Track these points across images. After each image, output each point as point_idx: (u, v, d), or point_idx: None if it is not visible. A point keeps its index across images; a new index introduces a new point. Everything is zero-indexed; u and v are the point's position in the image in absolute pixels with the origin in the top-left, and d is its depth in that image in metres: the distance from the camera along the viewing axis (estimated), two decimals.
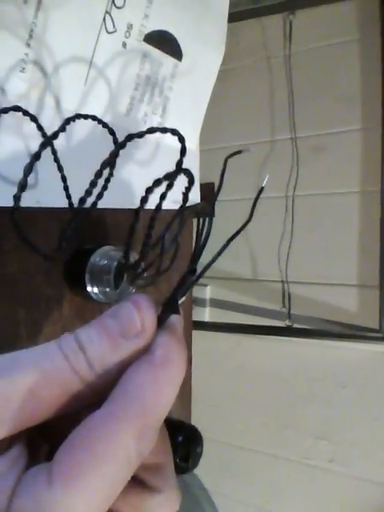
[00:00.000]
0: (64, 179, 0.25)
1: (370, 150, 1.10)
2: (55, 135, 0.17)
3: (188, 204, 0.18)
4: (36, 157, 0.16)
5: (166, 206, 0.19)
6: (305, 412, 1.17)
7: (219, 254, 0.17)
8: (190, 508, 1.20)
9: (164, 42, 0.47)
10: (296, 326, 1.18)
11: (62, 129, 0.18)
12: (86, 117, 0.22)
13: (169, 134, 0.17)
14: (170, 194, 0.17)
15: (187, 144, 0.18)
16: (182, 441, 0.51)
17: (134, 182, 0.48)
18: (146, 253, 0.17)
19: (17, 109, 0.21)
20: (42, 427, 0.15)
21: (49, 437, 0.17)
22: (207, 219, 0.17)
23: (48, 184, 0.38)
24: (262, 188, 0.19)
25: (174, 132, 0.16)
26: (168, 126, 0.51)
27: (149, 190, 0.16)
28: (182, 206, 0.17)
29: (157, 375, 0.15)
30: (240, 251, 1.25)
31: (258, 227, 1.18)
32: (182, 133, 0.18)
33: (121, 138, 0.26)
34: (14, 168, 0.35)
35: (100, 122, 0.25)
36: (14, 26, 0.35)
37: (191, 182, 0.17)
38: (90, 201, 0.20)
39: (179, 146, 0.17)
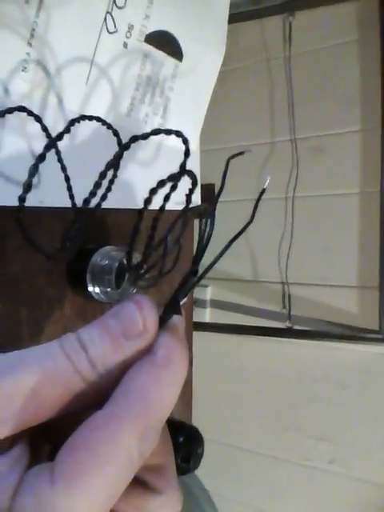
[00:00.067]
0: (67, 179, 0.25)
1: (369, 151, 1.10)
2: (60, 137, 0.17)
3: (190, 205, 0.18)
4: (41, 158, 0.16)
5: (168, 207, 0.19)
6: (305, 413, 1.17)
7: (221, 255, 0.17)
8: (191, 509, 1.20)
9: (165, 42, 0.47)
10: (296, 327, 1.18)
11: (67, 130, 0.18)
12: (90, 118, 0.22)
13: (171, 135, 0.17)
14: (172, 195, 0.18)
15: (189, 145, 0.18)
16: (183, 441, 0.51)
17: (135, 183, 0.48)
18: (148, 254, 0.17)
19: (22, 109, 0.21)
20: (44, 427, 0.15)
21: (51, 436, 0.17)
22: (209, 220, 0.17)
23: (51, 184, 0.38)
24: (264, 190, 0.19)
25: (179, 134, 0.16)
26: (169, 126, 0.51)
27: (153, 192, 0.16)
28: (185, 208, 0.17)
29: (159, 375, 0.15)
30: (240, 252, 1.25)
31: (259, 228, 1.18)
32: (183, 133, 0.18)
33: (123, 138, 0.26)
34: (17, 168, 0.36)
35: (104, 123, 0.25)
36: (15, 25, 0.35)
37: (194, 183, 0.17)
38: (93, 202, 0.20)
39: (181, 146, 0.17)
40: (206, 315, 1.31)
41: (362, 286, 1.11)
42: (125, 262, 0.39)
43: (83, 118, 0.20)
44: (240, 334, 1.25)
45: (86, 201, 0.18)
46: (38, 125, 0.23)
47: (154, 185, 0.17)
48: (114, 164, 0.16)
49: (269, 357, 1.22)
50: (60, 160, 0.24)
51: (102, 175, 0.17)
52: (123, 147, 0.16)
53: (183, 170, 0.16)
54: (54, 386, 0.14)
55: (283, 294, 1.21)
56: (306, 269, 1.18)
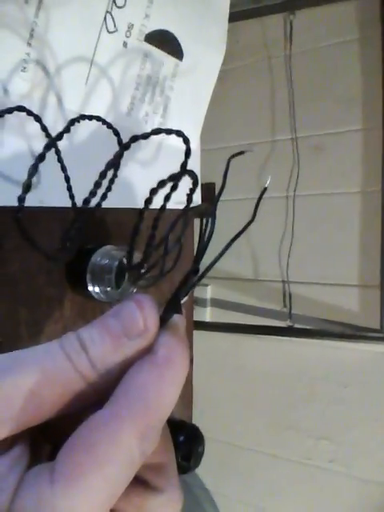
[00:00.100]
0: (67, 179, 0.25)
1: (370, 150, 1.10)
2: (59, 136, 0.17)
3: (190, 205, 0.18)
4: (40, 158, 0.16)
5: (168, 206, 0.19)
6: (306, 412, 1.17)
7: (221, 254, 0.17)
8: (191, 508, 1.20)
9: (165, 41, 0.47)
10: (297, 326, 1.18)
11: (67, 130, 0.18)
12: (90, 118, 0.22)
13: (172, 135, 0.17)
14: (173, 195, 0.17)
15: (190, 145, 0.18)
16: (184, 440, 0.51)
17: (135, 182, 0.48)
18: (149, 253, 0.17)
19: (21, 109, 0.21)
20: (44, 427, 0.15)
21: (51, 436, 0.17)
22: (210, 220, 0.17)
23: (51, 184, 0.38)
24: (265, 189, 0.18)
25: (179, 133, 0.16)
26: (169, 125, 0.51)
27: (153, 192, 0.16)
28: (186, 207, 0.17)
29: (159, 375, 0.15)
30: (241, 251, 1.25)
31: (259, 227, 1.18)
32: (184, 134, 0.18)
33: (123, 137, 0.26)
34: (17, 168, 0.36)
35: (104, 122, 0.25)
36: (15, 25, 0.35)
37: (195, 183, 0.17)
38: (93, 201, 0.20)
39: (182, 146, 0.17)
40: (207, 314, 1.31)
41: (363, 285, 1.11)
42: (125, 261, 0.39)
43: (83, 117, 0.20)
44: (240, 333, 1.25)
45: (86, 200, 0.18)
46: (37, 125, 0.23)
47: (154, 184, 0.17)
48: (114, 164, 0.16)
49: (269, 356, 1.22)
50: (60, 160, 0.24)
51: (102, 175, 0.17)
52: (123, 147, 0.16)
53: (184, 170, 0.16)
54: (53, 386, 0.14)
55: (284, 292, 1.21)
56: (307, 267, 1.18)
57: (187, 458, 0.50)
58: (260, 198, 0.18)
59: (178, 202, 0.19)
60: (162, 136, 0.17)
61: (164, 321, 0.17)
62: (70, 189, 0.25)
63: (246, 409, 1.25)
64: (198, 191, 0.58)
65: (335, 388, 1.13)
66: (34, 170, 0.16)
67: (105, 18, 0.41)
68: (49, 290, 0.41)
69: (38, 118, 0.23)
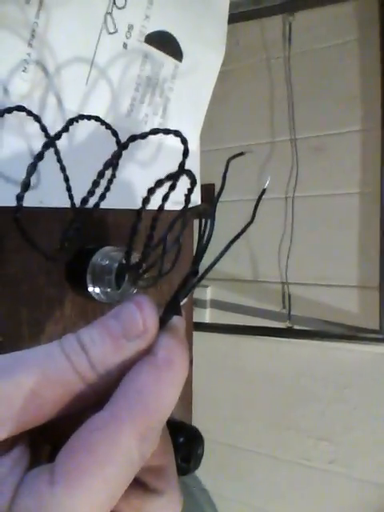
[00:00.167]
0: (67, 179, 0.25)
1: (369, 151, 1.10)
2: (58, 136, 0.17)
3: (189, 205, 0.18)
4: (39, 157, 0.16)
5: (167, 206, 0.19)
6: (305, 413, 1.17)
7: (221, 255, 0.17)
8: (191, 509, 1.20)
9: (164, 42, 0.47)
10: (296, 327, 1.18)
11: (65, 129, 0.18)
12: (89, 118, 0.22)
13: (171, 135, 0.17)
14: (171, 195, 0.17)
15: (188, 145, 0.18)
16: (183, 442, 0.51)
17: (135, 183, 0.48)
18: (147, 254, 0.17)
19: (20, 109, 0.21)
20: (44, 428, 0.15)
21: (51, 438, 0.17)
22: (209, 221, 0.17)
23: (50, 184, 0.38)
24: (264, 190, 0.18)
25: (177, 133, 0.16)
26: (169, 126, 0.51)
27: (151, 191, 0.16)
28: (184, 207, 0.17)
29: (159, 377, 0.15)
30: (240, 252, 1.25)
31: (258, 228, 1.18)
32: (182, 133, 0.18)
33: (123, 138, 0.26)
34: (16, 168, 0.36)
35: (103, 122, 0.25)
36: (15, 25, 0.35)
37: (193, 183, 0.17)
38: (92, 201, 0.20)
39: (181, 146, 0.17)
40: (206, 315, 1.30)
41: (362, 286, 1.11)
42: (123, 261, 0.39)
43: (82, 117, 0.20)
44: (240, 334, 1.25)
45: (84, 200, 0.18)
46: (37, 125, 0.23)
47: (153, 185, 0.17)
48: (112, 163, 0.16)
49: (269, 357, 1.22)
50: (59, 160, 0.24)
51: (100, 174, 0.17)
52: (121, 147, 0.16)
53: (182, 170, 0.16)
54: (53, 387, 0.14)
55: (283, 293, 1.21)
56: (306, 269, 1.18)
57: (187, 460, 0.50)
58: (259, 200, 0.18)
59: (176, 202, 0.19)
60: (162, 136, 0.17)
61: (164, 322, 0.17)
62: (69, 189, 0.25)
63: (245, 410, 1.25)
64: (198, 192, 0.58)
65: (335, 389, 1.13)
66: (32, 168, 0.16)
67: (105, 19, 0.41)
68: (49, 291, 0.41)
69: (37, 118, 0.23)
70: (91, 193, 0.18)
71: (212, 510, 1.26)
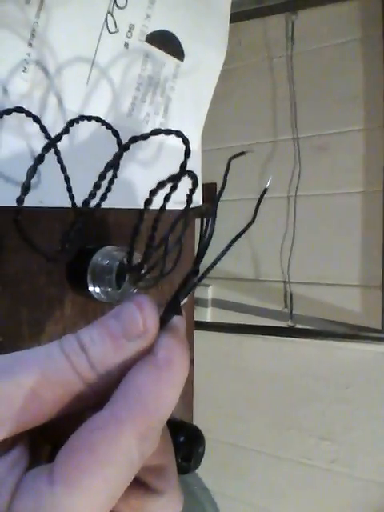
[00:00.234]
0: (67, 180, 0.25)
1: (372, 150, 1.09)
2: (58, 137, 0.17)
3: (191, 205, 0.18)
4: (39, 160, 0.16)
5: (169, 206, 0.19)
6: (307, 412, 1.17)
7: (222, 255, 0.17)
8: (192, 508, 1.20)
9: (166, 42, 0.47)
10: (298, 326, 1.18)
11: (66, 131, 0.18)
12: (89, 118, 0.22)
13: (172, 135, 0.17)
14: (173, 195, 0.17)
15: (190, 145, 0.17)
16: (184, 441, 0.51)
17: (136, 183, 0.48)
18: (149, 254, 0.17)
19: (20, 110, 0.21)
20: (44, 428, 0.15)
21: (51, 437, 0.17)
22: (210, 220, 0.17)
23: (51, 184, 0.38)
24: (266, 189, 0.18)
25: (179, 134, 0.16)
26: (170, 126, 0.51)
27: (153, 193, 0.16)
28: (186, 208, 0.17)
29: (159, 377, 0.15)
30: (242, 251, 1.25)
31: (260, 227, 1.17)
32: (184, 133, 0.18)
33: (124, 138, 0.26)
34: (16, 168, 0.36)
35: (103, 123, 0.25)
36: (16, 25, 0.35)
37: (195, 183, 0.16)
38: (93, 202, 0.20)
39: (182, 146, 0.17)
40: (208, 314, 1.31)
41: (365, 285, 1.11)
42: (125, 262, 0.39)
43: (82, 118, 0.20)
44: (241, 334, 1.25)
45: (86, 202, 0.18)
46: (36, 124, 0.23)
47: (155, 185, 0.17)
48: (113, 165, 0.16)
49: (270, 356, 1.22)
50: (60, 161, 0.24)
51: (102, 176, 0.17)
52: (122, 148, 0.16)
53: (183, 171, 0.16)
54: (53, 387, 0.14)
55: (285, 293, 1.21)
56: (308, 268, 1.18)
57: (187, 459, 0.50)
58: (260, 199, 0.18)
59: (178, 202, 0.19)
60: (163, 136, 0.17)
61: (164, 322, 0.17)
62: (69, 189, 0.25)
63: (246, 409, 1.25)
64: (199, 191, 0.58)
65: (337, 388, 1.13)
66: (32, 171, 0.16)
67: (106, 19, 0.41)
68: (50, 290, 0.41)
69: (37, 119, 0.22)
70: (92, 195, 0.18)
71: (213, 509, 1.26)
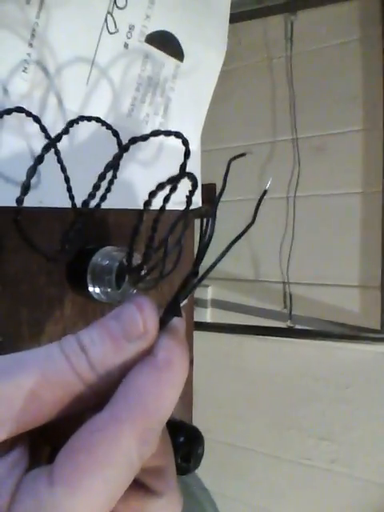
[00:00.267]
0: (67, 180, 0.25)
1: (371, 150, 1.10)
2: (58, 138, 0.17)
3: (190, 207, 0.18)
4: (39, 160, 0.16)
5: (168, 206, 0.19)
6: (307, 413, 1.17)
7: (222, 256, 0.17)
8: (191, 509, 1.20)
9: (165, 42, 0.47)
10: (297, 326, 1.18)
11: (66, 131, 0.18)
12: (89, 119, 0.22)
13: (172, 136, 0.17)
14: (173, 196, 0.17)
15: (189, 146, 0.17)
16: (184, 441, 0.51)
17: (136, 183, 0.48)
18: (148, 255, 0.17)
19: (20, 110, 0.21)
20: (43, 429, 0.15)
21: (51, 439, 0.17)
22: (210, 221, 0.17)
23: (50, 184, 0.38)
24: (265, 191, 0.18)
25: (178, 135, 0.16)
26: (170, 126, 0.51)
27: (152, 194, 0.16)
28: (186, 209, 0.17)
29: (159, 378, 0.15)
30: (241, 252, 1.25)
31: (260, 228, 1.17)
32: (183, 134, 0.18)
33: (123, 138, 0.26)
34: (16, 168, 0.35)
35: (104, 123, 0.25)
36: (16, 25, 0.35)
37: (195, 185, 0.16)
38: (93, 202, 0.20)
39: (182, 146, 0.17)
40: (207, 315, 1.30)
41: (364, 286, 1.11)
42: (125, 262, 0.39)
43: (82, 118, 0.20)
44: (241, 334, 1.25)
45: (85, 203, 0.18)
46: (37, 124, 0.23)
47: (154, 185, 0.17)
48: (113, 165, 0.16)
49: (270, 356, 1.22)
50: (60, 161, 0.24)
51: (101, 177, 0.17)
52: (123, 149, 0.16)
53: (183, 172, 0.16)
54: (53, 388, 0.14)
55: (284, 293, 1.21)
56: (307, 268, 1.18)
57: (187, 459, 0.50)
58: (260, 201, 0.18)
59: (178, 202, 0.19)
60: (163, 137, 0.17)
61: (164, 323, 0.17)
62: (69, 189, 0.25)
63: (246, 409, 1.25)
64: (199, 192, 0.58)
65: (336, 388, 1.13)
66: (32, 171, 0.16)
67: (106, 19, 0.41)
68: (49, 291, 0.41)
69: (37, 119, 0.22)
70: (92, 195, 0.18)
71: (213, 510, 1.26)
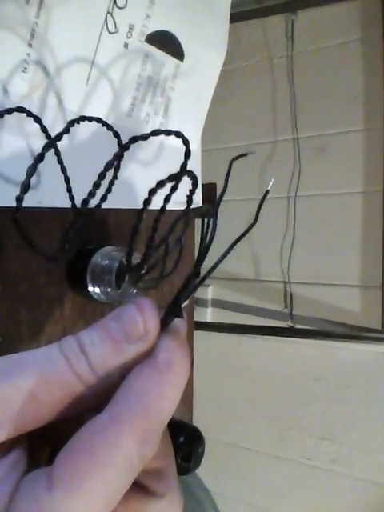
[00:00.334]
0: (67, 180, 0.25)
1: (372, 150, 1.09)
2: (59, 137, 0.17)
3: (191, 206, 0.18)
4: (39, 159, 0.16)
5: (169, 206, 0.18)
6: (307, 412, 1.17)
7: (223, 257, 0.17)
8: (192, 509, 1.20)
9: (166, 42, 0.47)
10: (298, 326, 1.18)
11: (66, 131, 0.18)
12: (90, 119, 0.22)
13: (172, 135, 0.17)
14: (173, 196, 0.17)
15: (190, 146, 0.17)
16: (184, 441, 0.51)
17: (137, 183, 0.48)
18: (149, 255, 0.17)
19: (21, 110, 0.21)
20: (43, 430, 0.15)
21: (50, 440, 0.17)
22: (211, 221, 0.17)
23: (50, 184, 0.38)
24: (267, 191, 0.18)
25: (179, 135, 0.16)
26: (170, 126, 0.51)
27: (152, 192, 0.15)
28: (186, 208, 0.17)
29: (160, 379, 0.15)
30: (242, 252, 1.25)
31: (260, 227, 1.17)
32: (184, 134, 0.18)
33: (123, 138, 0.25)
34: (16, 168, 0.35)
35: (104, 124, 0.25)
36: (15, 25, 0.34)
37: (195, 184, 0.16)
38: (93, 202, 0.20)
39: (183, 146, 0.17)
40: (208, 314, 1.30)
41: (365, 286, 1.11)
42: (125, 262, 0.39)
43: (83, 118, 0.20)
44: (241, 334, 1.25)
45: (85, 202, 0.18)
46: (37, 124, 0.23)
47: (154, 185, 0.17)
48: (113, 164, 0.16)
49: (271, 356, 1.21)
50: (60, 161, 0.24)
51: (101, 176, 0.17)
52: (123, 148, 0.16)
53: (183, 171, 0.16)
54: (52, 390, 0.14)
55: (285, 293, 1.21)
56: (308, 268, 1.18)
57: (187, 459, 0.50)
58: (262, 201, 0.18)
59: (178, 202, 0.19)
60: (163, 136, 0.17)
61: (165, 324, 0.17)
62: (70, 190, 0.25)
63: (246, 409, 1.24)
64: (199, 192, 0.58)
65: (336, 388, 1.13)
66: (32, 170, 0.16)
67: (106, 19, 0.41)
68: (49, 291, 0.41)
69: (38, 119, 0.22)
70: (92, 194, 0.18)
71: (213, 510, 1.26)
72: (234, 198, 1.22)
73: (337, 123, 1.13)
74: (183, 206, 0.18)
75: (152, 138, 0.17)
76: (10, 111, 0.20)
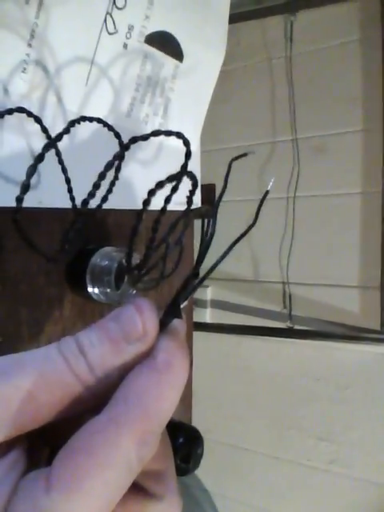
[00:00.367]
0: (68, 181, 0.25)
1: (371, 151, 1.10)
2: (59, 137, 0.17)
3: (191, 207, 0.18)
4: (39, 159, 0.16)
5: (169, 207, 0.18)
6: (306, 413, 1.17)
7: (222, 258, 0.17)
8: (191, 510, 1.20)
9: (165, 42, 0.47)
10: (297, 327, 1.18)
11: (66, 131, 0.18)
12: (90, 119, 0.22)
13: (172, 136, 0.17)
14: (173, 197, 0.17)
15: (190, 147, 0.17)
16: (183, 442, 0.51)
17: (136, 183, 0.48)
18: (148, 256, 0.17)
19: (21, 110, 0.20)
20: (42, 431, 0.15)
21: (49, 440, 0.17)
22: (211, 222, 0.17)
23: (50, 184, 0.38)
24: (267, 192, 0.18)
25: (179, 135, 0.16)
26: (169, 126, 0.51)
27: (151, 193, 0.15)
28: (186, 209, 0.17)
29: (159, 380, 0.15)
30: (241, 252, 1.25)
31: (259, 228, 1.17)
32: (184, 135, 0.18)
33: (123, 138, 0.25)
34: (16, 168, 0.35)
35: (105, 124, 0.25)
36: (15, 25, 0.34)
37: (195, 184, 0.16)
38: (93, 203, 0.20)
39: (182, 147, 0.17)
40: (207, 315, 1.30)
41: (364, 286, 1.11)
42: (124, 263, 0.39)
43: (83, 119, 0.20)
44: (241, 334, 1.25)
45: (85, 202, 0.18)
46: (37, 125, 0.23)
47: (154, 186, 0.17)
48: (114, 165, 0.16)
49: (270, 357, 1.21)
50: (60, 161, 0.24)
51: (101, 176, 0.17)
52: (123, 148, 0.16)
53: (183, 171, 0.16)
54: (51, 390, 0.14)
55: (284, 293, 1.21)
56: (307, 269, 1.18)
57: (186, 460, 0.50)
58: (262, 202, 0.18)
59: (178, 203, 0.19)
60: (163, 137, 0.17)
61: (164, 325, 0.17)
62: (70, 190, 0.25)
63: (246, 410, 1.24)
64: (198, 192, 0.58)
65: (336, 389, 1.13)
66: (32, 170, 0.16)
67: (105, 20, 0.41)
68: (49, 291, 0.41)
69: (38, 120, 0.22)
70: (92, 195, 0.18)
71: (213, 511, 1.26)
72: (234, 199, 1.22)
73: (336, 124, 1.13)
74: (183, 207, 0.18)
75: (151, 138, 0.17)
76: (10, 111, 0.20)
